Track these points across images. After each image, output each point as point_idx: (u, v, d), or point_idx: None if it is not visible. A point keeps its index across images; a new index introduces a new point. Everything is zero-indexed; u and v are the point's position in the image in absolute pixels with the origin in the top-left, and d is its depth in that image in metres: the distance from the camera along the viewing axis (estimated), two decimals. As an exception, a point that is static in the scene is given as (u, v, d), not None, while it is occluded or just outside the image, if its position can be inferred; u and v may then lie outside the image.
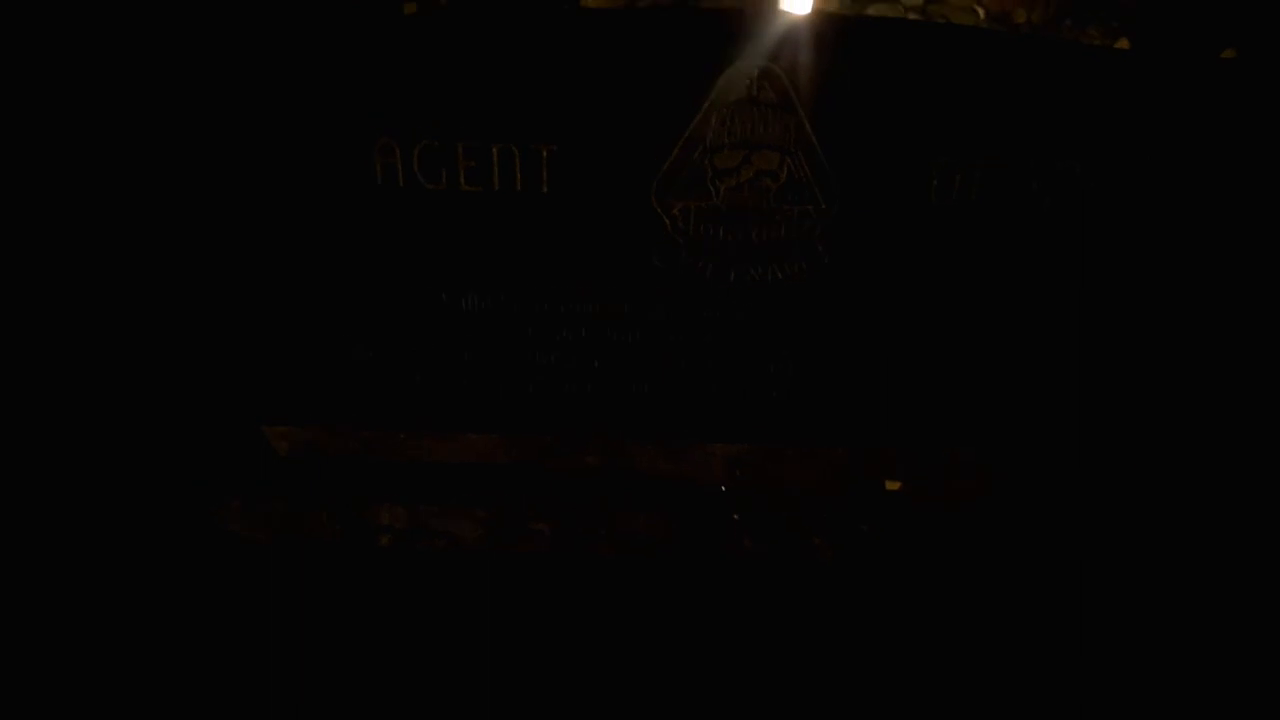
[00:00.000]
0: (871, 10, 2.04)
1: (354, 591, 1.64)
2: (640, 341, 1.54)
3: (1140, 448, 1.59)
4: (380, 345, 1.56)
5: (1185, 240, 1.44)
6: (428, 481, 1.68)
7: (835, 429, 1.60)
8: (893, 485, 1.70)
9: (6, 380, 1.62)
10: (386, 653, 1.51)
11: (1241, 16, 1.53)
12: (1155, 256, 1.45)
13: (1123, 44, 1.77)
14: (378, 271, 1.50)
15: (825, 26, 1.36)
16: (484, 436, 1.64)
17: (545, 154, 1.40)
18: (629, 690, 1.45)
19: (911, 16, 1.99)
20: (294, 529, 1.69)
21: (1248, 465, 1.59)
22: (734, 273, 1.48)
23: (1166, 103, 1.35)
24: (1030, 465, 1.61)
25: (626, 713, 1.42)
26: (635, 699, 1.44)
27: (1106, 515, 1.60)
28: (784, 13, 1.48)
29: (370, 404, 1.61)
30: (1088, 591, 1.56)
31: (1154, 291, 1.48)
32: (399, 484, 1.68)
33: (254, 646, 1.51)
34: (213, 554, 1.66)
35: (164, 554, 1.64)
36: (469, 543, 1.68)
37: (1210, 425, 1.57)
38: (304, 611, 1.56)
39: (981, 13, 1.79)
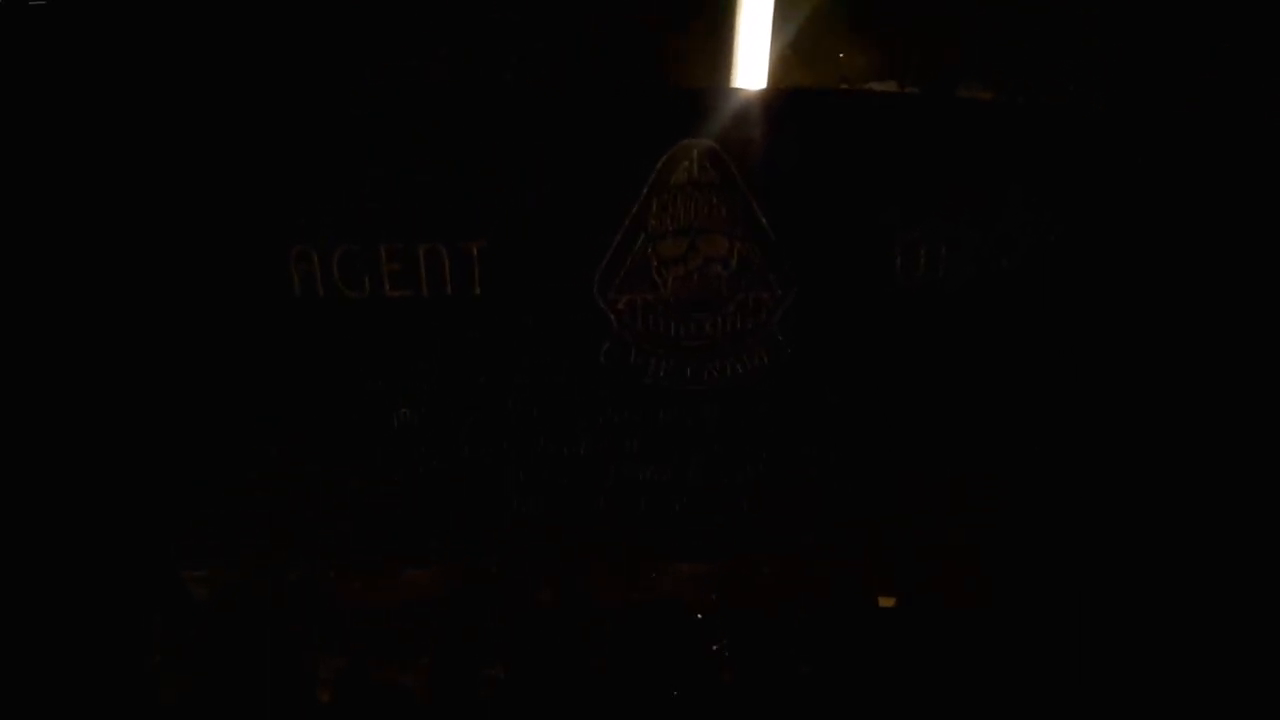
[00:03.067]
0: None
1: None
2: (592, 452, 1.40)
3: (1142, 525, 1.44)
4: (305, 475, 1.41)
5: (1164, 310, 1.33)
6: (368, 626, 1.51)
7: (813, 538, 1.44)
8: (887, 602, 1.53)
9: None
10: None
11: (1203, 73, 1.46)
12: (1133, 329, 1.34)
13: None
14: (299, 393, 1.36)
15: (769, 101, 1.28)
16: (426, 572, 1.47)
17: (476, 251, 1.29)
18: None
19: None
20: (224, 684, 1.50)
21: (1242, 544, 1.44)
22: (689, 369, 1.35)
23: (1139, 158, 1.26)
24: (1027, 559, 1.45)
25: None
26: None
27: (1110, 607, 1.45)
28: (725, 89, 1.40)
29: (298, 541, 1.44)
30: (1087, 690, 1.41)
31: (1136, 363, 1.36)
32: (336, 630, 1.51)
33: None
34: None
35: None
36: (417, 693, 1.50)
37: (1209, 501, 1.43)
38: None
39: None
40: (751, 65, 1.56)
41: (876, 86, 1.82)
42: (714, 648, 1.49)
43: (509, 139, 1.23)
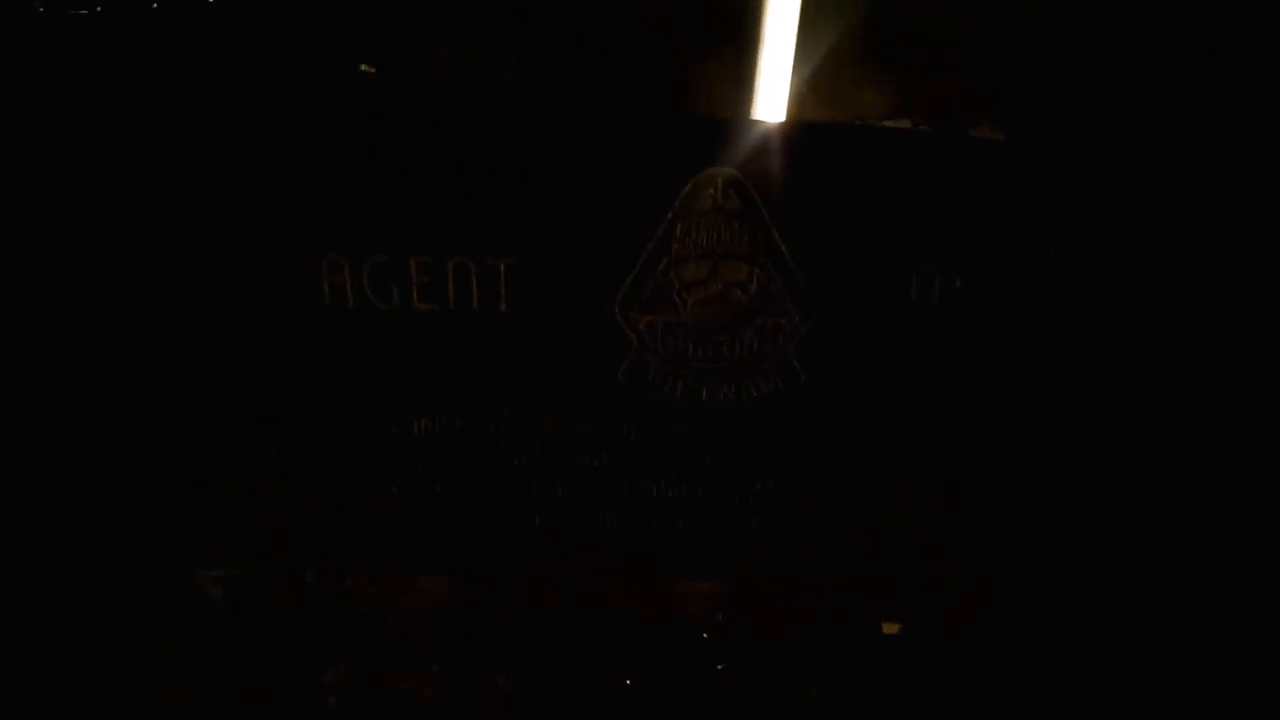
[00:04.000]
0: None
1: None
2: (606, 468, 1.43)
3: (1155, 547, 1.47)
4: (324, 480, 1.44)
5: (1181, 330, 1.37)
6: (377, 632, 1.53)
7: (821, 560, 1.47)
8: (891, 628, 1.56)
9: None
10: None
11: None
12: (1150, 352, 1.37)
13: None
14: (323, 400, 1.40)
15: (793, 133, 1.32)
16: (438, 579, 1.50)
17: (503, 268, 1.32)
18: None
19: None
20: (231, 687, 1.52)
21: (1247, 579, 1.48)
22: (705, 391, 1.39)
23: (1149, 184, 1.30)
24: (1033, 581, 1.48)
25: None
26: None
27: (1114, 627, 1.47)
28: (751, 120, 1.45)
29: (312, 544, 1.47)
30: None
31: (1156, 385, 1.39)
32: (345, 636, 1.53)
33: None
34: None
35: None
36: (424, 701, 1.52)
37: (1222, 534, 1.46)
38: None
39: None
40: (772, 100, 1.61)
41: (890, 124, 1.87)
42: (720, 667, 1.51)
43: (542, 160, 1.27)
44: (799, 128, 1.39)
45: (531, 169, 1.28)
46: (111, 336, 1.38)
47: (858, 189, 1.30)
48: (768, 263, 1.32)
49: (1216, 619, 1.50)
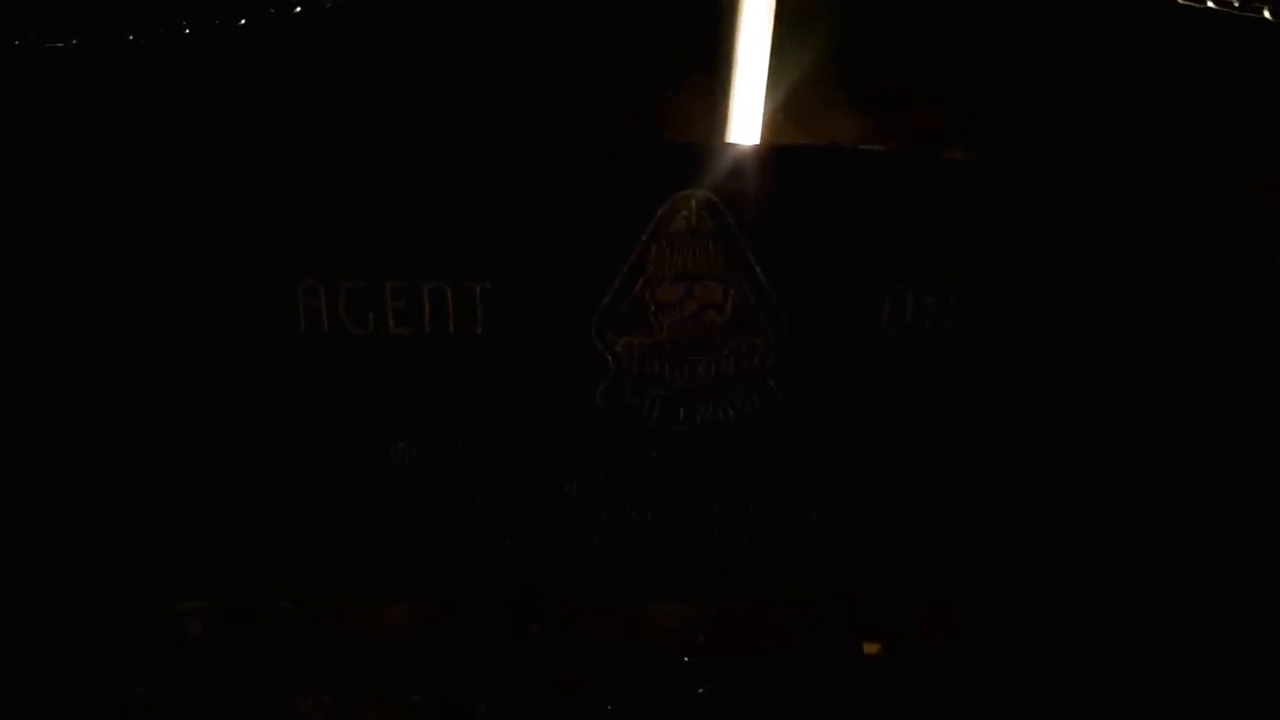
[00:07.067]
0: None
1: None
2: (584, 489, 1.43)
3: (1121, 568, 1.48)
4: (300, 505, 1.43)
5: (1141, 352, 1.39)
6: (354, 661, 1.51)
7: (801, 580, 1.47)
8: (871, 648, 1.55)
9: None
10: None
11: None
12: (1112, 372, 1.39)
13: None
14: (298, 425, 1.39)
15: (765, 156, 1.34)
16: (415, 605, 1.49)
17: (479, 291, 1.33)
18: None
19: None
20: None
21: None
22: (683, 411, 1.39)
23: (1110, 213, 1.33)
24: (1004, 600, 1.48)
25: None
26: None
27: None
28: (724, 144, 1.46)
29: (290, 572, 1.46)
30: None
31: (1118, 405, 1.41)
32: (323, 666, 1.51)
33: None
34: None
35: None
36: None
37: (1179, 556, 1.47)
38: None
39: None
40: (746, 124, 1.63)
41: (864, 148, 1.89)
42: (700, 691, 1.50)
43: (517, 185, 1.29)
44: (771, 150, 1.40)
45: (507, 193, 1.29)
46: (84, 366, 1.37)
47: (831, 210, 1.32)
48: (742, 284, 1.33)
49: (1185, 638, 1.51)
